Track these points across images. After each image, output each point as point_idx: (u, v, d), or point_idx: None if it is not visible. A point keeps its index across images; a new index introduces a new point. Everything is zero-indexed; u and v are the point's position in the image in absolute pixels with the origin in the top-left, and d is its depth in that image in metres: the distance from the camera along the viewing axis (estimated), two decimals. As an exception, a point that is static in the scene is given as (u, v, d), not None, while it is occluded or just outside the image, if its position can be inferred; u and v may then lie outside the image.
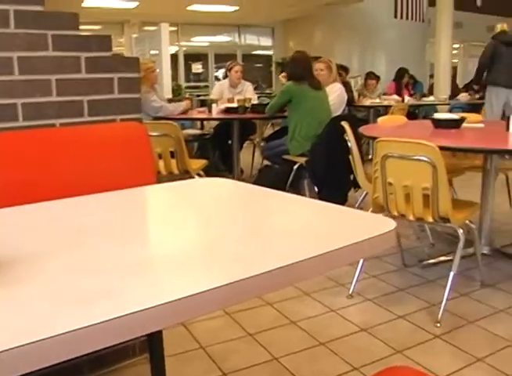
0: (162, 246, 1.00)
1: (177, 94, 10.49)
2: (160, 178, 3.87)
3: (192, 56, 15.87)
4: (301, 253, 0.87)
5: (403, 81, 8.87)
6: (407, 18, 14.98)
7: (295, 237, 1.00)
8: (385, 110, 7.24)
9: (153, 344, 1.89)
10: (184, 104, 5.36)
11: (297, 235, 1.02)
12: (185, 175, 3.93)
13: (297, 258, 0.84)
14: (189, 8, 12.51)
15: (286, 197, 1.31)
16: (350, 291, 2.85)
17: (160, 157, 3.83)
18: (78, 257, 0.91)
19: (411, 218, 2.63)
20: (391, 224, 1.00)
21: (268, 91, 14.67)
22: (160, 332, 1.85)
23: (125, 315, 0.66)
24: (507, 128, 3.26)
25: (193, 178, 3.91)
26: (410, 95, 8.89)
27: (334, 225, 1.08)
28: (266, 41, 16.79)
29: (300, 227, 1.07)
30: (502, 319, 2.56)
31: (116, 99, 2.03)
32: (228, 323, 2.53)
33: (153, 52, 8.56)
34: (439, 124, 3.51)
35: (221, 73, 14.78)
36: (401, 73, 8.92)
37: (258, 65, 17.51)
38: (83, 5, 11.13)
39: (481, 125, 3.76)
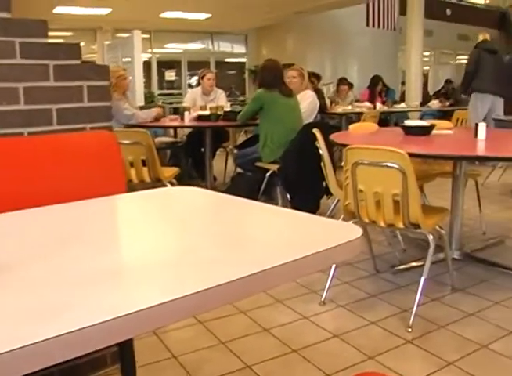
0: (133, 255, 1.00)
1: (149, 101, 10.45)
2: (132, 187, 3.87)
3: (165, 64, 15.84)
4: (269, 261, 0.87)
5: (377, 88, 8.96)
6: (378, 26, 15.17)
7: (264, 245, 1.00)
8: (357, 117, 7.30)
9: (124, 354, 1.88)
10: (155, 111, 5.34)
11: (266, 243, 1.02)
12: (158, 183, 3.91)
13: (265, 266, 0.85)
14: (161, 15, 12.50)
15: (256, 205, 1.31)
16: (322, 298, 2.86)
17: (131, 165, 3.81)
18: (48, 267, 0.90)
19: (382, 224, 2.65)
20: (357, 231, 1.00)
21: (241, 98, 14.70)
22: (131, 341, 1.83)
23: (95, 324, 0.66)
24: (475, 135, 3.32)
25: (165, 186, 3.89)
26: (383, 103, 9.00)
27: (303, 233, 1.09)
28: (239, 49, 16.84)
29: (268, 235, 1.08)
30: (472, 323, 2.60)
31: (85, 108, 2.01)
32: (200, 332, 2.51)
33: (125, 59, 8.52)
34: (409, 131, 3.56)
35: (194, 80, 14.78)
36: (375, 80, 9.01)
37: (232, 72, 17.54)
38: (54, 11, 11.04)
39: (451, 132, 3.82)
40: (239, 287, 0.82)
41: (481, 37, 7.27)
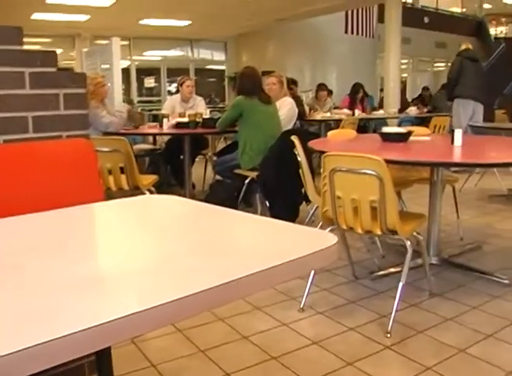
0: (110, 263, 1.00)
1: (128, 109, 10.39)
2: (110, 195, 3.85)
3: (144, 71, 15.82)
4: (244, 269, 0.87)
5: (358, 96, 9.01)
6: (357, 33, 15.33)
7: (240, 254, 1.00)
8: (336, 123, 7.35)
9: (101, 363, 1.86)
10: (125, 111, 5.30)
11: (242, 251, 1.03)
12: (136, 190, 3.90)
13: (240, 274, 0.85)
14: (141, 22, 12.49)
15: (233, 213, 1.31)
16: (301, 305, 2.86)
17: (110, 172, 3.79)
18: (23, 276, 0.89)
19: (359, 231, 2.66)
20: (332, 239, 1.01)
21: (221, 105, 14.72)
22: (109, 350, 1.81)
23: (71, 333, 0.65)
24: (452, 142, 3.36)
25: (144, 194, 3.88)
26: (363, 110, 9.06)
27: (278, 241, 1.09)
28: (219, 56, 16.87)
29: (244, 243, 1.08)
30: (450, 328, 2.62)
31: (62, 115, 1.99)
32: (179, 340, 2.50)
33: (104, 66, 8.47)
34: (387, 137, 3.59)
35: (174, 87, 14.77)
36: (356, 88, 9.05)
37: (211, 79, 17.57)
38: (32, 17, 10.98)
39: (428, 138, 3.86)
40: (213, 295, 0.82)
41: (463, 46, 7.53)
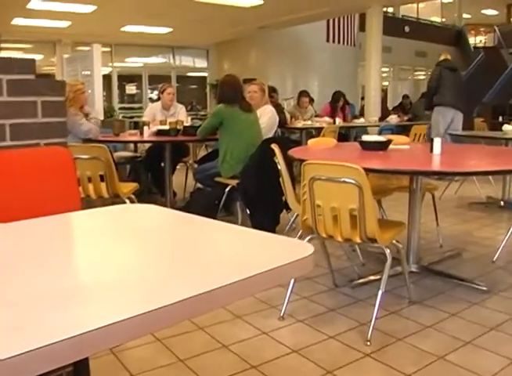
0: (86, 274, 0.99)
1: (109, 116, 10.36)
2: (90, 202, 3.82)
3: (126, 77, 15.77)
4: (221, 279, 0.87)
5: (338, 104, 9.05)
6: (339, 42, 15.44)
7: (215, 264, 1.00)
8: (318, 131, 7.38)
9: (79, 373, 1.84)
10: (99, 118, 5.28)
11: (217, 262, 1.02)
12: (116, 198, 3.87)
13: (217, 284, 0.85)
14: (122, 29, 12.46)
15: (210, 223, 1.31)
16: (281, 313, 2.86)
17: (89, 180, 3.76)
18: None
19: (339, 239, 2.67)
20: (309, 249, 1.01)
21: (202, 112, 14.71)
22: (86, 361, 1.79)
23: (47, 345, 0.65)
24: (431, 150, 3.39)
25: (124, 202, 3.86)
26: (344, 118, 9.11)
27: (255, 251, 1.09)
28: (201, 63, 16.88)
29: (220, 254, 1.08)
30: (429, 335, 2.63)
31: (40, 123, 1.98)
32: (159, 350, 2.48)
33: (85, 72, 8.44)
34: (367, 146, 3.61)
35: (156, 94, 14.74)
36: (337, 96, 9.09)
37: (193, 86, 17.57)
38: (13, 22, 10.90)
39: (407, 147, 3.89)
40: (190, 305, 0.82)
41: (442, 57, 7.74)
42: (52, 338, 0.66)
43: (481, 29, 24.78)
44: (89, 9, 10.20)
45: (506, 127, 6.15)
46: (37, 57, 13.36)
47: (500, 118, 13.55)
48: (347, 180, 2.48)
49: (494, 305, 3.01)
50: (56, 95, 2.03)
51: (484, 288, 3.23)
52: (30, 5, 9.58)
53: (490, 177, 5.96)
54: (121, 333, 0.74)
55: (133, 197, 4.00)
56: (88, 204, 3.85)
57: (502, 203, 5.83)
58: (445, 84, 7.45)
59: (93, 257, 1.11)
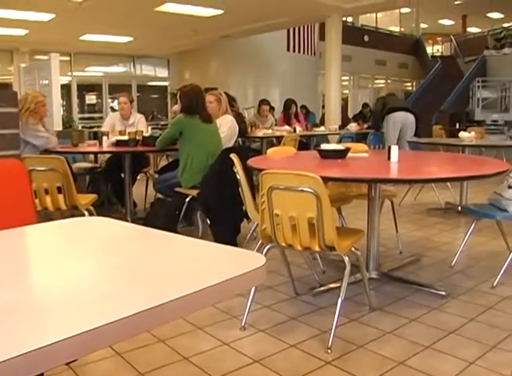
0: (36, 289, 0.98)
1: (68, 126, 10.22)
2: (48, 215, 3.75)
3: (86, 87, 15.61)
4: (171, 293, 0.86)
5: (291, 111, 9.08)
6: (299, 51, 15.58)
7: (164, 278, 0.99)
8: (278, 140, 7.41)
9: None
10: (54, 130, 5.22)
11: (171, 274, 1.01)
12: (75, 210, 3.81)
13: (166, 299, 0.84)
14: (81, 37, 12.33)
15: (165, 236, 1.30)
16: (242, 323, 2.84)
17: (46, 192, 3.69)
18: None
19: (298, 247, 2.68)
20: (261, 260, 1.01)
21: (164, 122, 14.64)
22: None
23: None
24: (388, 158, 3.43)
25: (83, 213, 3.80)
26: (305, 126, 9.16)
27: (207, 263, 1.09)
28: (162, 72, 16.83)
29: (171, 267, 1.07)
30: (389, 341, 2.66)
31: (-9, 135, 1.94)
32: (118, 364, 2.44)
33: (43, 82, 8.31)
34: (325, 154, 3.64)
35: (116, 104, 14.63)
36: (287, 104, 9.10)
37: (154, 96, 17.49)
38: (-33, 31, 10.69)
39: (366, 155, 3.93)
40: (138, 320, 0.80)
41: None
42: (4, 355, 0.65)
43: (438, 38, 25.39)
44: (47, 17, 10.06)
45: (462, 134, 6.28)
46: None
47: (457, 125, 13.89)
48: (304, 189, 2.49)
49: (453, 310, 3.06)
50: (9, 107, 2.00)
51: (443, 293, 3.28)
52: (-15, 13, 9.42)
53: (448, 183, 6.07)
54: (77, 346, 0.72)
55: (92, 208, 3.94)
56: (46, 216, 3.78)
57: (459, 208, 5.94)
58: (389, 102, 7.98)
59: (43, 272, 1.09)
